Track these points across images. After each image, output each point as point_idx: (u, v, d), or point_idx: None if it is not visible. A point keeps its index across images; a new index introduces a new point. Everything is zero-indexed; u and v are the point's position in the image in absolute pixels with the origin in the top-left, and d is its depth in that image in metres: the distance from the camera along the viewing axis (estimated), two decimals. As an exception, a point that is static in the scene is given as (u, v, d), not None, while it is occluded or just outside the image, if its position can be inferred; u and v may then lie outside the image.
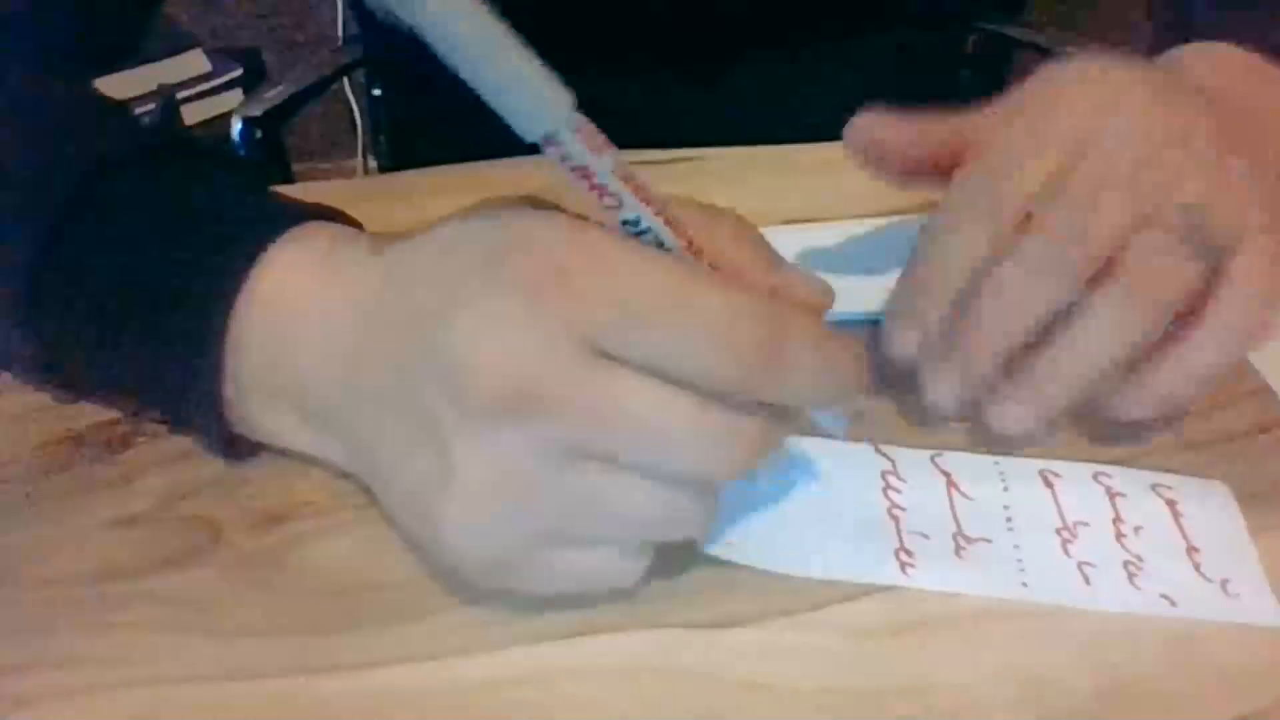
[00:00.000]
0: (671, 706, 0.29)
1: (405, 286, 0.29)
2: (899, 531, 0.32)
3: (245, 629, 0.30)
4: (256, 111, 0.81)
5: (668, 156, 0.50)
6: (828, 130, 0.52)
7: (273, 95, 0.83)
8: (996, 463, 0.35)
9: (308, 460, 0.34)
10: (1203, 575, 0.31)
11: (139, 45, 0.51)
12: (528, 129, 0.25)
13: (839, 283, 0.42)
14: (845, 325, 0.40)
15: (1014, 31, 0.78)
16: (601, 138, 0.26)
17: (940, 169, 0.38)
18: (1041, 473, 0.35)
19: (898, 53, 0.61)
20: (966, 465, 0.35)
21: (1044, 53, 0.79)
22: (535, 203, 0.29)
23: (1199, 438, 0.36)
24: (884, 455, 0.35)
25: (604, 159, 0.26)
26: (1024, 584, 0.31)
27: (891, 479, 0.34)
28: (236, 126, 0.80)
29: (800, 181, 0.49)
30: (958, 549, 0.32)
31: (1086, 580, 0.31)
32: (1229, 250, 0.33)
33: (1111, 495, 0.33)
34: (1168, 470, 0.35)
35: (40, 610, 0.31)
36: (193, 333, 0.32)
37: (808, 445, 0.35)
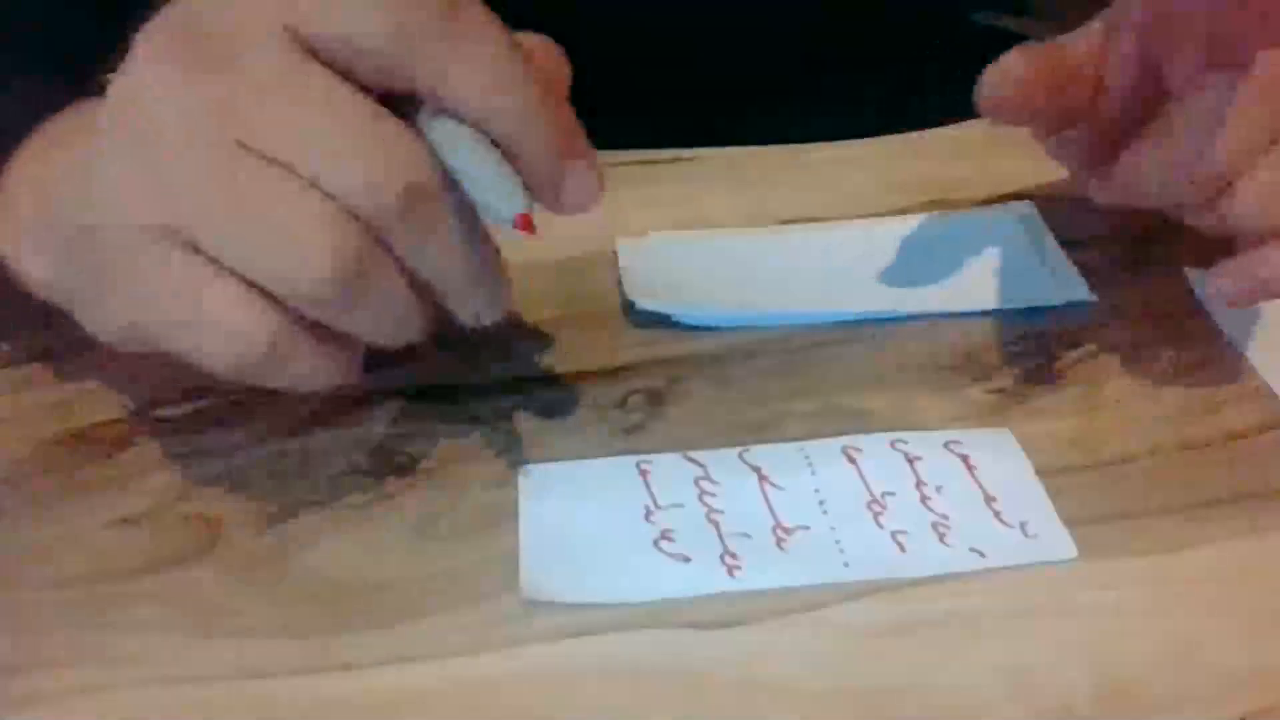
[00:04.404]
0: (671, 706, 0.29)
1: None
2: (720, 535, 0.33)
3: (245, 629, 0.30)
4: None
5: (668, 156, 0.50)
6: (828, 129, 0.52)
7: None
8: (801, 448, 0.35)
9: (302, 459, 0.35)
10: (1003, 522, 0.33)
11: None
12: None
13: (839, 282, 0.43)
14: (845, 325, 0.41)
15: (1015, 25, 0.78)
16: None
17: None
18: (844, 450, 0.35)
19: (896, 50, 0.61)
20: (773, 456, 0.35)
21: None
22: None
23: (1199, 438, 0.36)
24: (693, 461, 0.35)
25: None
26: (845, 564, 0.32)
27: (705, 484, 0.34)
28: None
29: (800, 181, 0.49)
30: (779, 541, 0.32)
31: (901, 549, 0.32)
32: None
33: (910, 460, 0.35)
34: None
35: (40, 610, 0.31)
36: None
37: (607, 469, 0.35)
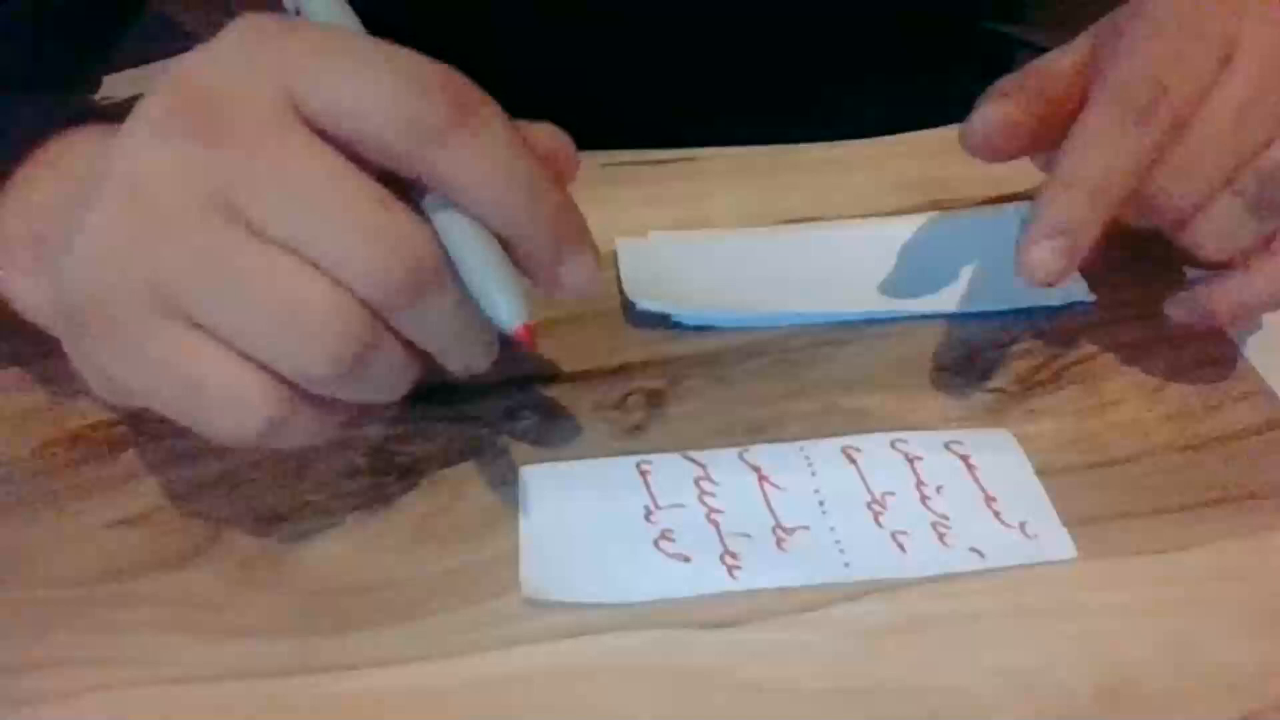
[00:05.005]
0: (671, 706, 0.29)
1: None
2: (720, 535, 0.33)
3: (245, 629, 0.30)
4: None
5: (668, 156, 0.50)
6: (829, 129, 0.52)
7: None
8: (801, 448, 0.35)
9: (302, 459, 0.35)
10: (1003, 522, 0.33)
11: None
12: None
13: (839, 282, 0.43)
14: (846, 325, 0.41)
15: (1016, 32, 0.78)
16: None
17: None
18: (844, 450, 0.35)
19: (898, 53, 0.61)
20: (773, 455, 0.35)
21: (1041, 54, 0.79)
22: None
23: (1199, 438, 0.36)
24: (693, 461, 0.35)
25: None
26: (846, 564, 0.32)
27: (704, 484, 0.34)
28: None
29: (800, 181, 0.49)
30: (778, 541, 0.33)
31: (902, 549, 0.32)
32: None
33: (911, 460, 0.35)
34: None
35: (40, 610, 0.31)
36: None
37: (607, 469, 0.35)
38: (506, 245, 0.29)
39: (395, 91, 0.26)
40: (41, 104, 0.35)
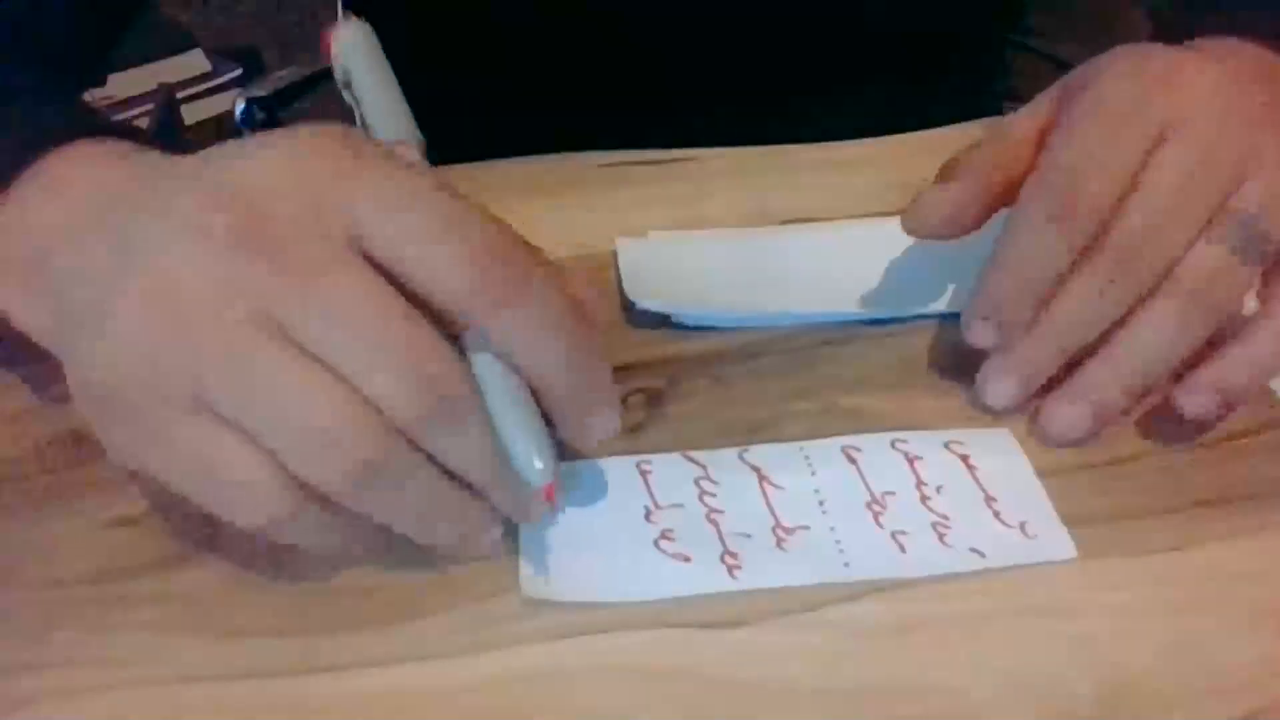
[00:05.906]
0: (671, 706, 0.29)
1: (202, 153, 0.29)
2: (720, 535, 0.33)
3: (245, 629, 0.30)
4: (262, 92, 0.82)
5: (668, 156, 0.50)
6: (826, 130, 0.52)
7: (280, 76, 0.84)
8: (801, 448, 0.36)
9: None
10: (1003, 522, 0.33)
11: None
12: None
13: (839, 282, 0.43)
14: (845, 325, 0.41)
15: (1015, 35, 0.78)
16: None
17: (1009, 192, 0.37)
18: (844, 450, 0.35)
19: (898, 55, 0.61)
20: (773, 455, 0.35)
21: (1041, 57, 0.79)
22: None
23: (1199, 438, 0.36)
24: (693, 461, 0.35)
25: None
26: (846, 564, 0.32)
27: (705, 484, 0.34)
28: (240, 106, 0.81)
29: (800, 181, 0.49)
30: (779, 541, 0.33)
31: (902, 549, 0.32)
32: None
33: (911, 460, 0.35)
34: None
35: (40, 610, 0.31)
36: None
37: (607, 469, 0.35)
38: (538, 394, 0.29)
39: (456, 260, 0.27)
40: (43, 109, 0.35)
